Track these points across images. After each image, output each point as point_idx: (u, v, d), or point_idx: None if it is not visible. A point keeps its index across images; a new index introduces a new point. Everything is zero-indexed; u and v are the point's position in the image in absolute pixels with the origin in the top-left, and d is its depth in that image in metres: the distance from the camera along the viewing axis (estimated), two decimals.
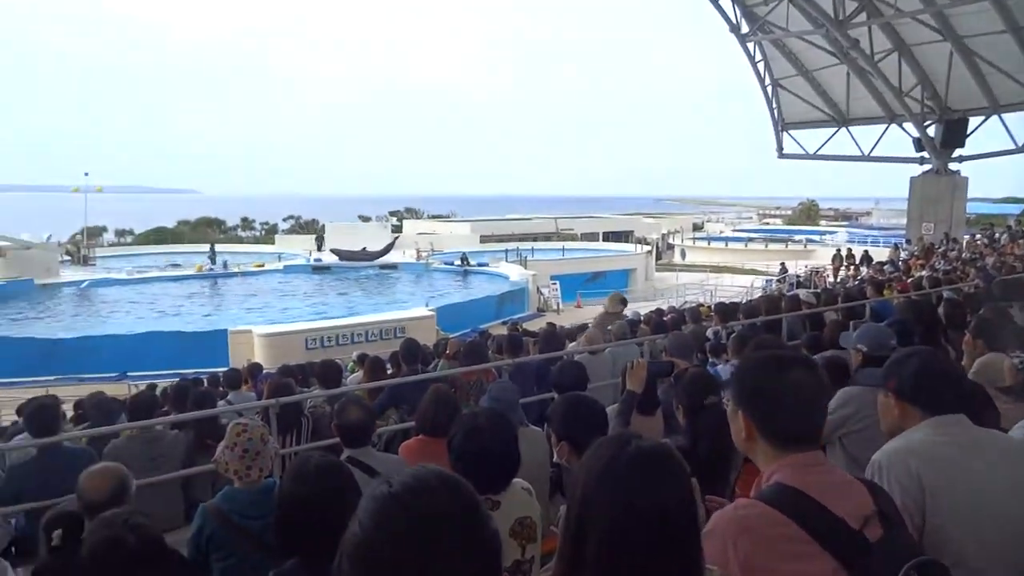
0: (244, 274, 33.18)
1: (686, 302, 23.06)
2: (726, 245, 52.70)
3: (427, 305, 23.33)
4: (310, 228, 53.76)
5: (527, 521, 2.37)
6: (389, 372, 7.18)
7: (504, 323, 22.81)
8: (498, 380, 5.58)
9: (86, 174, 37.11)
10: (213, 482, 4.36)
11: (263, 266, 35.17)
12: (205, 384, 8.88)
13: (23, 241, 30.34)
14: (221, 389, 7.72)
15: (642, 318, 11.13)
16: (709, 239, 56.88)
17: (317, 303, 27.38)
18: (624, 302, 9.14)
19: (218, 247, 37.63)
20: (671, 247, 54.34)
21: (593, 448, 1.33)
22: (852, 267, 25.29)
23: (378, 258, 36.12)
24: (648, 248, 43.10)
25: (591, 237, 52.42)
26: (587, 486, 1.26)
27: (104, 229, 54.62)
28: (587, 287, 31.68)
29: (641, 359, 2.09)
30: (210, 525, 2.75)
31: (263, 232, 60.13)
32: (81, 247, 35.89)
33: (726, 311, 8.40)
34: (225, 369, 9.13)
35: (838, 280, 23.28)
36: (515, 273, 30.91)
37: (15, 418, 9.71)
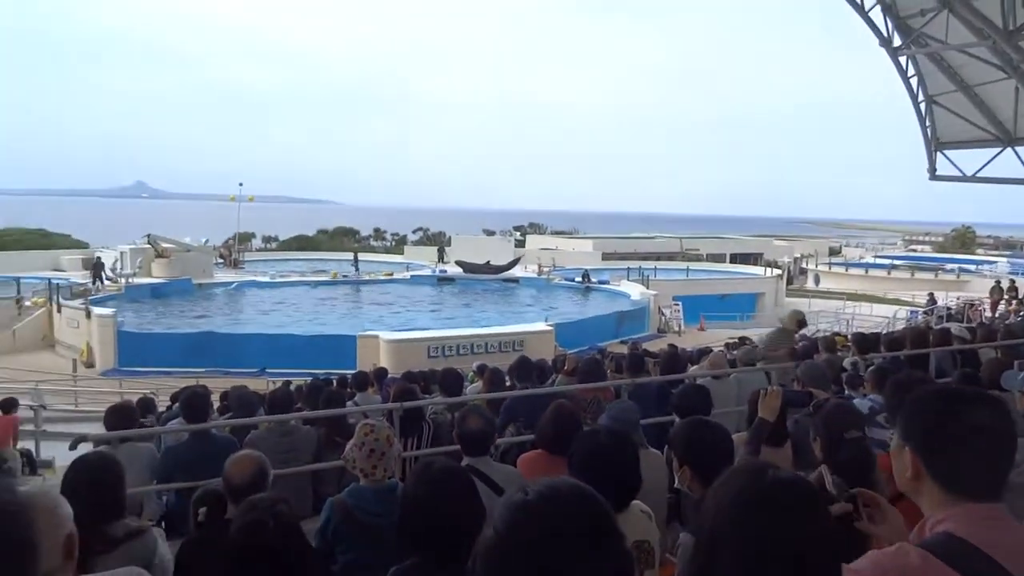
0: (374, 282, 34.80)
1: (819, 330, 21.78)
2: (866, 272, 49.26)
3: (546, 320, 23.44)
4: (437, 240, 55.57)
5: (645, 546, 2.31)
6: (507, 385, 7.26)
7: (623, 342, 22.48)
8: (618, 400, 5.50)
9: (240, 185, 40.39)
10: (340, 477, 4.57)
11: (392, 275, 36.73)
12: (335, 384, 9.35)
13: (185, 244, 33.41)
14: (349, 390, 8.11)
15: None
16: (847, 265, 53.45)
17: (441, 313, 28.26)
18: (803, 323, 8.22)
19: (350, 255, 39.82)
20: (804, 272, 51.60)
21: (725, 476, 1.27)
22: (1014, 301, 22.88)
23: (501, 272, 36.76)
24: (779, 272, 41.16)
25: (717, 258, 50.82)
26: (718, 517, 1.20)
27: (253, 235, 59.14)
28: (711, 310, 30.67)
29: (775, 387, 1.98)
30: (336, 519, 2.88)
31: (393, 242, 62.86)
32: (233, 251, 39.01)
33: (865, 342, 7.84)
34: (353, 372, 9.59)
35: (996, 315, 21.16)
36: (636, 292, 30.46)
37: (169, 404, 10.68)
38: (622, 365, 7.26)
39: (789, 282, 44.33)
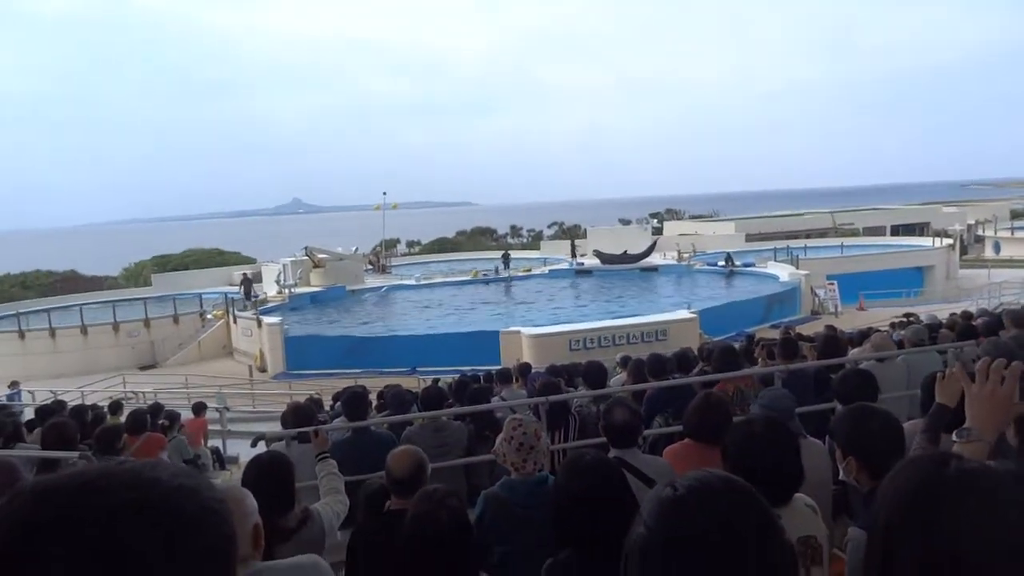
0: (514, 278, 35.49)
1: (1002, 304, 19.58)
2: None
3: (689, 308, 22.80)
4: (573, 233, 55.67)
5: (811, 541, 2.18)
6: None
7: (774, 327, 21.44)
8: (770, 387, 5.24)
9: (384, 194, 42.49)
10: (491, 470, 4.70)
11: (530, 271, 37.23)
12: (481, 381, 9.62)
13: (337, 253, 35.67)
14: (495, 386, 8.31)
15: (944, 322, 9.68)
16: None
17: (581, 306, 28.29)
18: None
19: (491, 254, 40.78)
20: (980, 239, 46.57)
21: (901, 467, 1.15)
22: None
23: (639, 260, 36.23)
24: (950, 241, 37.42)
25: (876, 232, 47.06)
26: (893, 511, 1.09)
27: (397, 241, 62.14)
28: (871, 287, 28.46)
29: (956, 368, 1.79)
30: (491, 511, 2.96)
31: (530, 239, 63.66)
32: (380, 257, 41.20)
33: None
34: (498, 367, 9.80)
35: None
36: (785, 273, 28.90)
37: (332, 403, 11.46)
38: (774, 351, 6.90)
39: (963, 252, 40.25)
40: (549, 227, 68.52)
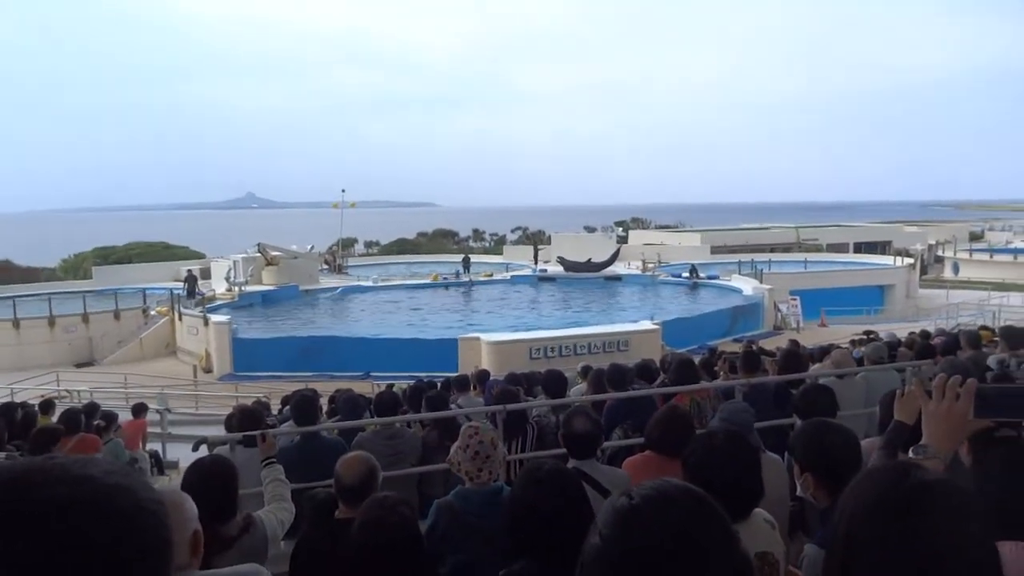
0: (475, 283, 35.46)
1: (959, 325, 20.25)
2: (1015, 258, 45.37)
3: (652, 319, 23.06)
4: (537, 239, 55.87)
5: (769, 558, 2.21)
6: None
7: (736, 340, 21.79)
8: (731, 400, 5.33)
9: (343, 191, 42.08)
10: (445, 480, 4.67)
11: (492, 276, 37.29)
12: (438, 387, 9.56)
13: (291, 251, 35.18)
14: (452, 393, 8.26)
15: (903, 341, 9.97)
16: (991, 251, 49.44)
17: (542, 313, 28.41)
18: None
19: (452, 258, 40.62)
20: (940, 260, 48.18)
21: (860, 478, 1.17)
22: None
23: (603, 269, 36.53)
24: (911, 261, 38.62)
25: (839, 248, 48.30)
26: (853, 523, 1.10)
27: (355, 240, 61.57)
28: (833, 304, 29.16)
29: (914, 385, 1.84)
30: (444, 521, 2.94)
31: (492, 243, 63.73)
32: (337, 257, 40.75)
33: (1015, 336, 7.20)
34: (455, 374, 9.76)
35: None
36: (749, 287, 29.45)
37: (280, 407, 11.28)
38: (736, 364, 7.01)
39: (923, 272, 41.54)
40: (513, 231, 68.78)
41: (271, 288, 31.89)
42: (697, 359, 8.56)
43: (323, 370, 20.26)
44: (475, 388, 8.46)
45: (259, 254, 33.27)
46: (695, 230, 60.29)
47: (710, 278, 33.24)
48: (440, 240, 63.53)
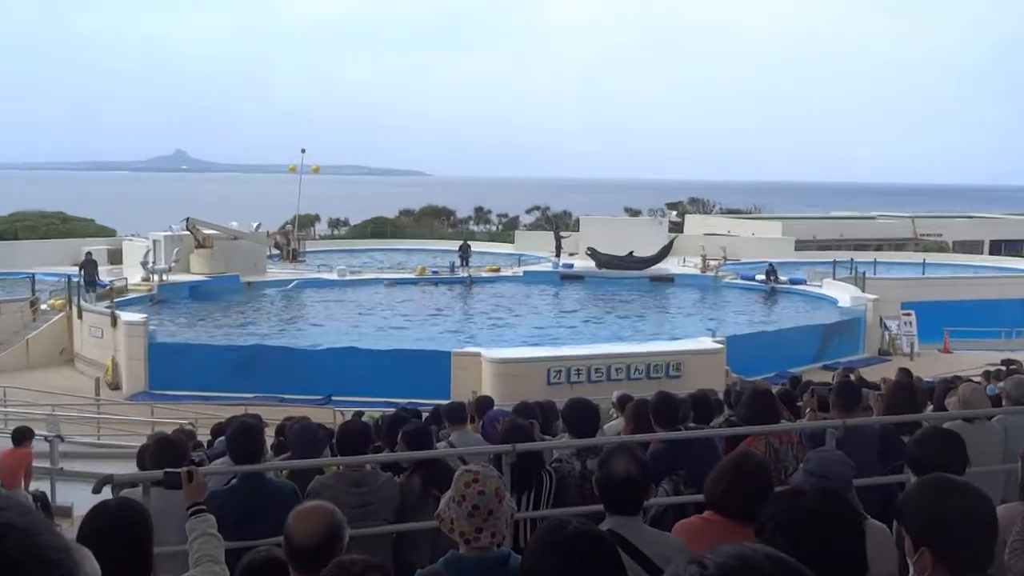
0: (476, 280, 35.63)
1: None
2: None
3: (713, 335, 23.01)
4: (561, 223, 55.87)
5: None
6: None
7: (828, 368, 21.70)
8: (820, 449, 5.31)
9: (303, 152, 42.18)
10: (432, 541, 4.67)
11: (498, 271, 37.38)
12: (422, 418, 9.58)
13: (231, 230, 35.25)
14: (443, 427, 8.26)
15: None
16: None
17: (566, 323, 28.49)
18: None
19: (446, 245, 40.43)
20: None
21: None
22: None
23: (649, 266, 36.61)
24: None
25: (970, 248, 48.07)
26: None
27: (316, 218, 61.74)
28: (961, 322, 29.00)
29: None
30: None
31: (500, 226, 63.76)
32: (291, 239, 40.75)
33: None
34: (447, 402, 9.76)
35: None
36: (847, 296, 29.31)
37: (210, 439, 11.31)
38: (827, 401, 7.00)
39: None
40: (528, 212, 68.72)
41: (202, 278, 32.02)
42: (775, 390, 8.54)
43: (270, 391, 20.32)
44: (473, 421, 8.46)
45: (188, 232, 33.37)
46: (774, 217, 60.22)
47: (794, 283, 33.17)
48: (430, 221, 63.59)
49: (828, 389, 7.94)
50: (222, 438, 8.68)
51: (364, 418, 10.28)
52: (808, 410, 7.31)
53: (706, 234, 45.66)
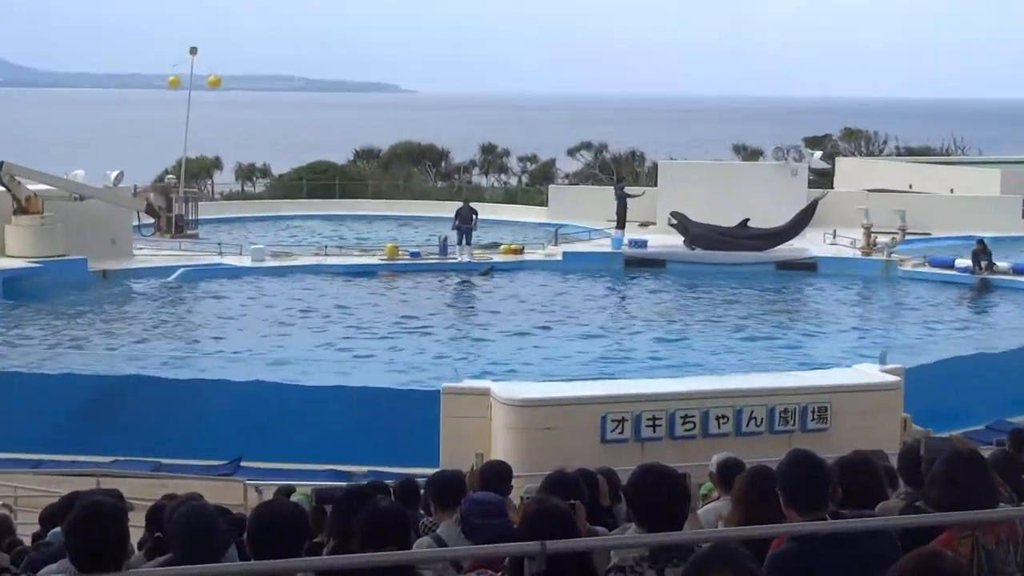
0: (487, 268, 35.91)
1: None
2: None
3: (884, 360, 22.91)
4: (624, 169, 55.65)
5: None
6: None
7: None
8: None
9: (192, 52, 41.35)
10: None
11: (521, 252, 37.62)
12: (393, 496, 9.61)
13: (74, 184, 35.42)
14: (427, 518, 8.28)
15: None
16: None
17: (632, 340, 28.53)
18: None
19: (434, 208, 40.08)
20: None
21: None
22: None
23: (774, 244, 36.92)
24: None
25: None
26: None
27: (216, 164, 61.62)
28: None
29: None
30: None
31: (524, 178, 63.55)
32: (173, 198, 40.68)
33: None
34: (434, 471, 9.76)
35: None
36: None
37: (37, 527, 11.36)
38: None
39: None
40: (571, 154, 68.47)
41: (24, 264, 32.28)
42: (988, 453, 8.53)
43: (138, 452, 20.37)
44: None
45: (1, 188, 33.51)
46: (989, 161, 59.77)
47: (1019, 272, 33.09)
48: (407, 169, 63.50)
49: None
50: (57, 529, 8.74)
51: (294, 497, 10.30)
52: None
53: (872, 190, 45.42)
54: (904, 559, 3.61)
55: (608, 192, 43.41)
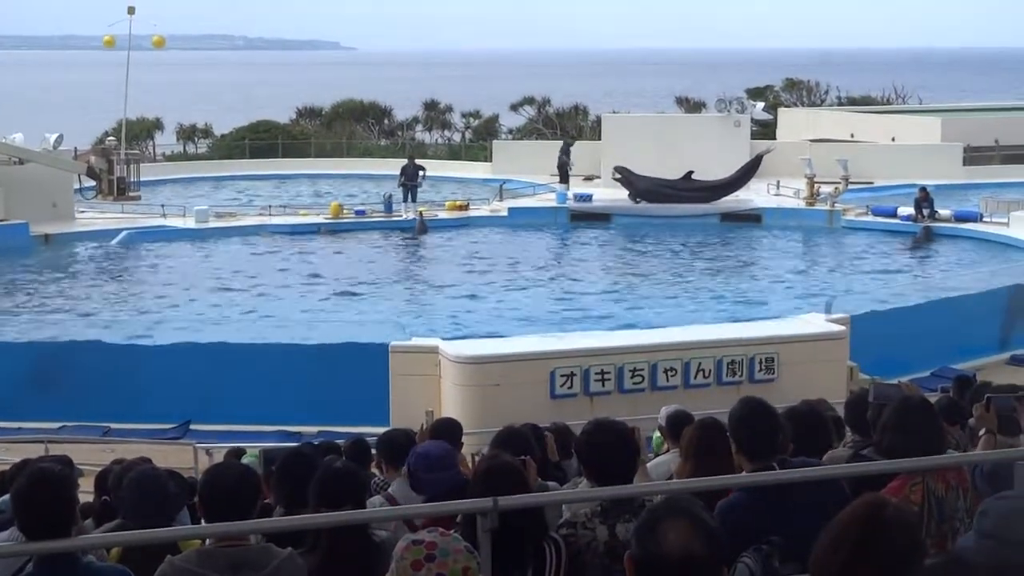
0: (429, 225, 35.76)
1: None
2: None
3: (829, 309, 23.02)
4: (569, 124, 55.49)
5: None
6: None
7: (1018, 360, 21.75)
8: (1004, 494, 5.36)
9: (130, 11, 40.88)
10: None
11: (466, 208, 37.67)
12: (343, 456, 9.59)
13: (12, 148, 35.01)
14: (376, 470, 8.27)
15: None
16: None
17: (580, 295, 28.62)
18: None
19: (379, 165, 39.89)
20: None
21: None
22: None
23: (719, 196, 36.98)
24: None
25: None
26: None
27: (157, 124, 61.03)
28: None
29: None
30: None
31: (468, 134, 63.38)
32: (114, 160, 40.27)
33: None
34: (385, 430, 9.74)
35: None
36: None
37: None
38: (1015, 416, 7.03)
39: None
40: (515, 108, 68.32)
41: None
42: (934, 399, 8.59)
43: (86, 417, 20.25)
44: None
45: None
46: (930, 110, 60.03)
47: (962, 219, 33.29)
48: (350, 126, 63.22)
49: (1019, 397, 7.99)
50: (5, 497, 8.71)
51: (245, 459, 10.27)
52: (985, 432, 7.34)
53: (814, 140, 45.57)
54: (851, 506, 3.62)
55: (553, 147, 43.39)
